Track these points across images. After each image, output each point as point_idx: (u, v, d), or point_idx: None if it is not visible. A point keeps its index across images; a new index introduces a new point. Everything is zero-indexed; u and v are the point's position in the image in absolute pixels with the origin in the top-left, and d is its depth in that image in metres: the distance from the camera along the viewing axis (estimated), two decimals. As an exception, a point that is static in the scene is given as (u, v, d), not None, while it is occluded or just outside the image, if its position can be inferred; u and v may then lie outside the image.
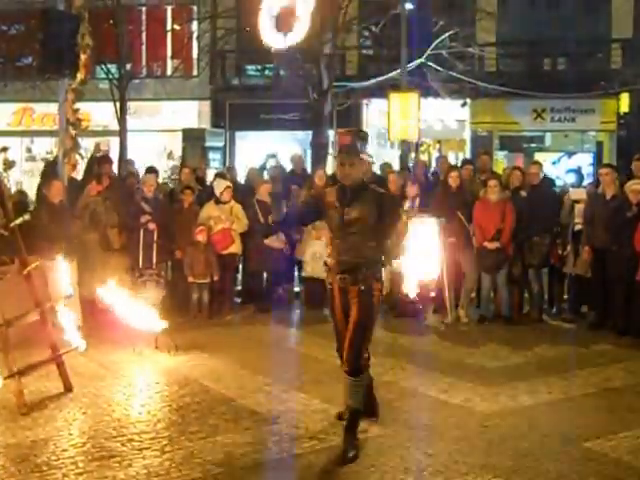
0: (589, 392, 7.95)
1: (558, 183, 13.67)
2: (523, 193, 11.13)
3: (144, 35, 25.80)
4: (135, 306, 9.01)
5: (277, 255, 11.51)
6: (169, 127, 25.21)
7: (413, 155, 19.60)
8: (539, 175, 11.33)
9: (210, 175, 15.07)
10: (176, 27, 25.92)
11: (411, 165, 16.85)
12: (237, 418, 6.92)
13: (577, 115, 23.87)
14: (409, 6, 18.92)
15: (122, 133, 22.02)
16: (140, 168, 14.57)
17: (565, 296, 11.57)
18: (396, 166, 17.29)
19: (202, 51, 24.91)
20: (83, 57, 11.50)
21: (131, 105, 22.43)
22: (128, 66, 22.86)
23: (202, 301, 11.21)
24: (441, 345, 9.94)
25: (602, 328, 10.39)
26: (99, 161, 12.84)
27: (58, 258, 8.05)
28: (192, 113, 25.85)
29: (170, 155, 25.28)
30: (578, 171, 12.31)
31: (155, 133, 25.88)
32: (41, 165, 21.74)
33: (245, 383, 7.58)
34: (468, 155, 23.85)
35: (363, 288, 6.29)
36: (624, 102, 22.98)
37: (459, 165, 13.96)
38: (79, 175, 13.43)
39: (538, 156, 22.80)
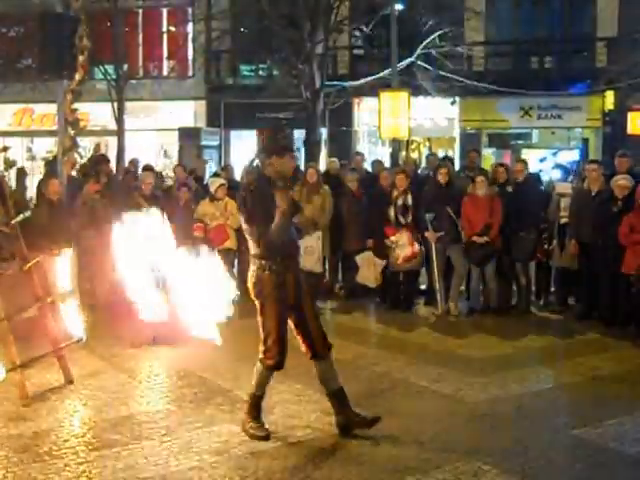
0: (576, 381, 8.08)
1: (544, 179, 13.82)
2: (509, 188, 11.24)
3: (140, 36, 25.95)
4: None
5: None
6: (166, 126, 25.34)
7: (404, 153, 19.78)
8: (524, 172, 11.42)
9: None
10: (172, 28, 26.10)
11: (401, 163, 17.04)
12: (233, 408, 7.01)
13: (563, 112, 24.06)
14: (399, 7, 19.08)
15: (120, 132, 22.18)
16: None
17: (552, 288, 11.68)
18: (387, 164, 17.46)
19: (197, 52, 25.09)
20: (81, 58, 11.63)
21: (128, 105, 22.58)
22: (125, 67, 23.02)
23: (199, 296, 11.37)
24: (432, 336, 10.05)
25: (588, 319, 10.52)
26: (96, 160, 13.00)
27: (57, 254, 8.18)
28: (188, 112, 25.98)
29: (166, 154, 25.43)
30: (564, 167, 12.47)
31: (152, 132, 26.03)
32: (41, 164, 21.90)
33: (241, 374, 7.63)
34: (457, 152, 24.14)
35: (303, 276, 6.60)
36: (609, 100, 23.17)
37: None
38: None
39: (525, 153, 23.07)
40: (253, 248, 6.42)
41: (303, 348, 6.51)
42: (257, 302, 6.42)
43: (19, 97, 24.19)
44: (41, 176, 16.42)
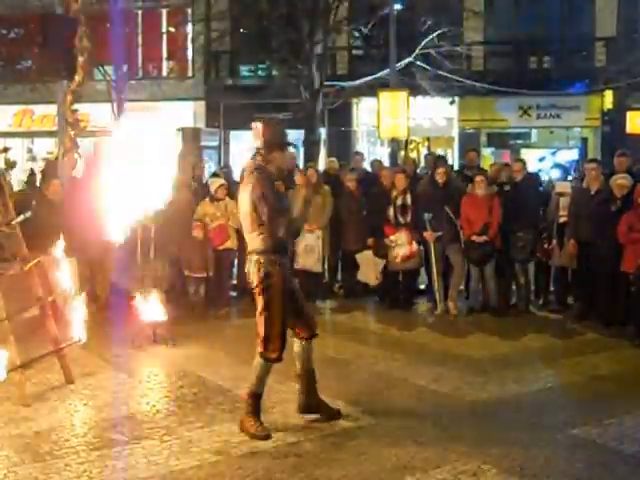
0: (575, 380, 8.09)
1: (544, 178, 13.82)
2: (506, 187, 11.29)
3: (140, 37, 26.01)
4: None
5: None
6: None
7: (402, 153, 19.83)
8: (522, 172, 11.43)
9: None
10: (171, 29, 26.16)
11: (400, 163, 17.08)
12: (233, 408, 7.02)
13: (562, 112, 24.15)
14: (398, 7, 19.12)
15: (120, 133, 22.17)
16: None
17: (551, 288, 11.70)
18: (386, 164, 17.51)
19: (197, 52, 25.13)
20: (81, 59, 11.66)
21: (128, 106, 22.63)
22: (125, 68, 23.09)
23: (199, 295, 11.39)
24: (431, 336, 10.08)
25: (587, 318, 10.53)
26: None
27: (58, 254, 8.20)
28: (187, 113, 26.04)
29: (164, 154, 25.46)
30: (563, 166, 12.50)
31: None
32: (42, 165, 21.97)
33: (241, 374, 7.57)
34: (456, 152, 24.19)
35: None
36: (608, 99, 23.29)
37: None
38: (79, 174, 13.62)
39: (524, 152, 23.13)
40: (258, 243, 6.47)
41: (300, 330, 6.68)
42: (262, 296, 6.47)
43: (19, 98, 24.29)
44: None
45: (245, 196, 6.49)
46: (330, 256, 12.36)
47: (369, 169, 14.58)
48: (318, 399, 6.87)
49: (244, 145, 24.55)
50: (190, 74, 26.32)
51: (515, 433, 6.50)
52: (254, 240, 6.49)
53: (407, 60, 20.97)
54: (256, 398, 6.52)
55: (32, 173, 19.41)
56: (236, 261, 12.28)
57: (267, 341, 6.44)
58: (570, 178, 12.37)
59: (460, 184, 11.62)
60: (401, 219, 11.40)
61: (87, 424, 6.82)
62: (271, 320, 6.44)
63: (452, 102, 23.69)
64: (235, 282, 12.62)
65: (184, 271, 11.37)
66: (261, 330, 6.46)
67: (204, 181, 13.52)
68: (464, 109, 24.53)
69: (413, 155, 24.01)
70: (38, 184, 16.92)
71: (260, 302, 6.48)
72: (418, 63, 21.52)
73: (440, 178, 11.23)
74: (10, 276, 7.78)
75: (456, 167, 17.46)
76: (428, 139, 26.43)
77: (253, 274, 6.50)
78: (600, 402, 7.34)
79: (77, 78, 11.88)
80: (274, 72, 23.50)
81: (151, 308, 9.43)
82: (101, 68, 22.50)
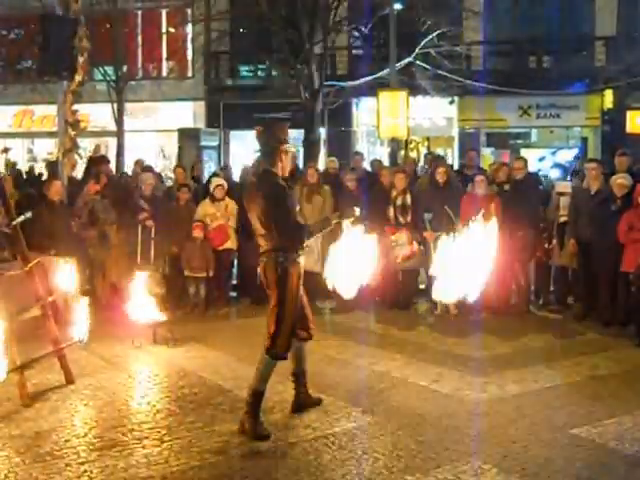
0: (575, 380, 8.07)
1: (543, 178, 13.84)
2: (506, 187, 11.28)
3: (140, 38, 26.05)
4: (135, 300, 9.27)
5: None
6: (165, 127, 25.43)
7: (402, 152, 19.83)
8: (523, 170, 11.42)
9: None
10: (171, 30, 26.19)
11: (400, 163, 17.10)
12: (233, 408, 7.02)
13: (562, 111, 24.13)
14: (398, 6, 19.11)
15: (119, 133, 22.26)
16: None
17: (551, 288, 11.68)
18: (386, 163, 17.51)
19: (196, 53, 25.14)
20: (81, 60, 11.67)
21: (128, 106, 22.66)
22: (125, 68, 23.13)
23: (199, 295, 11.39)
24: (431, 336, 10.08)
25: (587, 318, 10.54)
26: (96, 161, 13.05)
27: (58, 254, 8.22)
28: (187, 113, 26.09)
29: (164, 154, 25.52)
30: (563, 166, 12.52)
31: (151, 133, 26.11)
32: (41, 165, 22.03)
33: (241, 374, 7.66)
34: (456, 151, 24.20)
35: None
36: (608, 98, 23.27)
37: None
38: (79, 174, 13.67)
39: (524, 152, 23.15)
40: (278, 241, 6.46)
41: (300, 331, 6.75)
42: (276, 292, 6.48)
43: (19, 99, 24.35)
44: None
45: (260, 197, 6.45)
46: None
47: (369, 169, 14.58)
48: (308, 396, 7.03)
49: (244, 145, 24.64)
50: (190, 74, 26.33)
51: (515, 433, 6.49)
52: (273, 238, 6.45)
53: (407, 60, 20.95)
54: (258, 397, 6.53)
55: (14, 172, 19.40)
56: (236, 261, 12.31)
57: (276, 337, 6.46)
58: (572, 168, 12.32)
59: (458, 184, 11.62)
60: (401, 219, 11.41)
61: (87, 424, 6.83)
62: (283, 316, 6.47)
63: (452, 102, 23.69)
64: (235, 282, 12.64)
65: (184, 271, 11.40)
66: (271, 326, 6.47)
67: (204, 181, 13.55)
68: (464, 109, 24.53)
69: (413, 155, 24.01)
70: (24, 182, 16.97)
71: (274, 298, 6.49)
72: (418, 63, 21.50)
73: (440, 178, 11.23)
74: (10, 276, 7.78)
75: (456, 167, 17.46)
76: (428, 139, 26.45)
77: (270, 270, 6.48)
78: (600, 402, 7.32)
79: (77, 78, 11.90)
80: (274, 72, 23.50)
81: (151, 308, 9.44)
82: (101, 68, 22.51)
